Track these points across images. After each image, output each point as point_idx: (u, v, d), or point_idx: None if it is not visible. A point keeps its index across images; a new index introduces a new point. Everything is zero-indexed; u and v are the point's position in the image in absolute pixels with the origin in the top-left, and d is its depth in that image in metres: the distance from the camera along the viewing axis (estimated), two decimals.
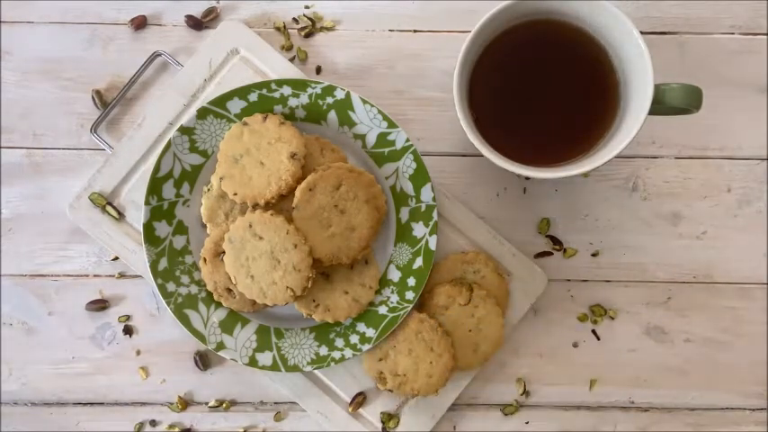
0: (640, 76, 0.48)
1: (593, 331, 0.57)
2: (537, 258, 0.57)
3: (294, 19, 0.57)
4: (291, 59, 0.57)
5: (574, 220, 0.57)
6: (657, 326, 0.57)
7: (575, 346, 0.57)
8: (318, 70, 0.57)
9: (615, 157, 0.48)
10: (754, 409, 0.58)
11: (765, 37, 0.58)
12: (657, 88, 0.48)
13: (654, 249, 0.57)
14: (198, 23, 0.57)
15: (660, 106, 0.48)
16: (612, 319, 0.57)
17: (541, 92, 0.52)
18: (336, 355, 0.54)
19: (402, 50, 0.57)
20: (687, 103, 0.48)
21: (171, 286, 0.53)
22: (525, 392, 0.57)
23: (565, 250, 0.57)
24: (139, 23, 0.57)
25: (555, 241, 0.57)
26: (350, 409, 0.56)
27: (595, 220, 0.57)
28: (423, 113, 0.57)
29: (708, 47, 0.58)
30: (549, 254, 0.57)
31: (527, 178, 0.58)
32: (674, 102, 0.48)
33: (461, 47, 0.48)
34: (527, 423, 0.58)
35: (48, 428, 0.57)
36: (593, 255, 0.57)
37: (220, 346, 0.53)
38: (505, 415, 0.58)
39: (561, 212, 0.57)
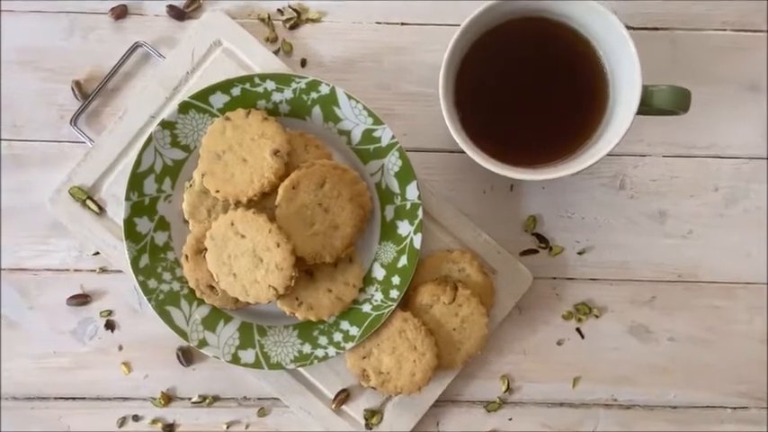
0: (629, 77, 0.48)
1: (578, 329, 0.57)
2: (523, 256, 0.57)
3: (279, 10, 0.56)
4: (276, 52, 0.56)
5: (560, 217, 0.57)
6: (642, 324, 0.57)
7: (559, 344, 0.57)
8: (303, 63, 0.57)
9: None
10: (735, 408, 0.58)
11: (757, 34, 0.57)
12: (645, 89, 0.47)
13: (640, 248, 0.57)
14: (180, 14, 0.56)
15: (648, 107, 0.48)
16: (597, 317, 0.57)
17: (529, 91, 0.51)
18: (320, 352, 0.53)
19: (389, 44, 0.56)
20: (675, 105, 0.48)
21: (152, 283, 0.52)
22: (509, 389, 0.57)
23: (551, 248, 0.57)
24: (120, 13, 0.56)
25: (541, 239, 0.57)
26: (333, 406, 0.55)
27: (582, 219, 0.57)
28: (409, 109, 0.56)
29: (699, 43, 0.57)
30: (534, 252, 0.57)
31: None
32: (662, 104, 0.47)
33: (449, 42, 0.47)
34: (510, 420, 0.58)
35: (29, 423, 0.57)
36: (580, 253, 0.57)
37: (203, 343, 0.53)
38: (488, 412, 0.58)
39: (548, 210, 0.57)
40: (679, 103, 0.47)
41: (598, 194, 0.57)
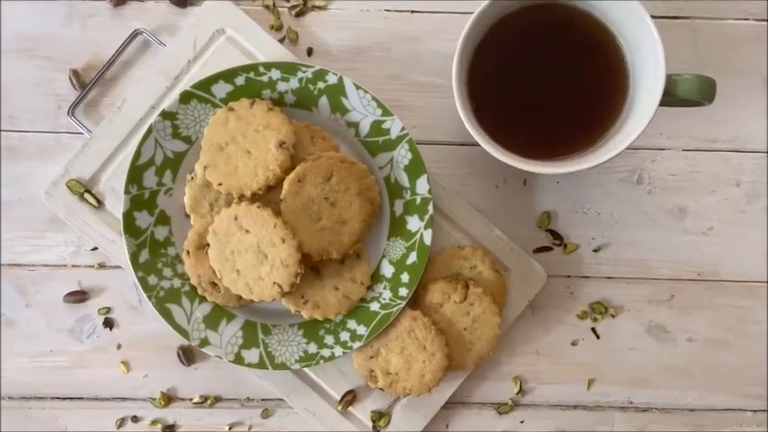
0: (651, 66, 0.46)
1: (593, 329, 0.56)
2: (536, 253, 0.56)
3: None
4: (281, 40, 0.55)
5: (575, 213, 0.55)
6: (659, 324, 0.56)
7: (573, 344, 0.56)
8: (310, 52, 0.55)
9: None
10: (755, 411, 0.57)
11: None
12: (669, 79, 0.45)
13: (658, 245, 0.56)
14: (182, 0, 0.54)
15: (671, 98, 0.46)
16: (613, 317, 0.56)
17: (546, 80, 0.50)
18: (326, 352, 0.52)
19: (398, 32, 0.55)
20: (700, 96, 0.46)
21: (152, 279, 0.51)
22: (521, 391, 0.56)
23: (565, 245, 0.56)
24: None
25: (555, 236, 0.56)
26: (339, 408, 0.54)
27: (598, 214, 0.56)
28: (419, 100, 0.55)
29: (720, 33, 0.55)
30: (548, 249, 0.56)
31: None
32: (687, 93, 0.45)
33: (462, 30, 0.46)
34: (522, 422, 0.56)
35: (26, 423, 0.55)
36: (595, 250, 0.56)
37: (204, 342, 0.51)
38: (500, 414, 0.56)
39: (562, 206, 0.55)
40: (705, 92, 0.45)
41: (615, 189, 0.55)
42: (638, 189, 0.55)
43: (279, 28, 0.55)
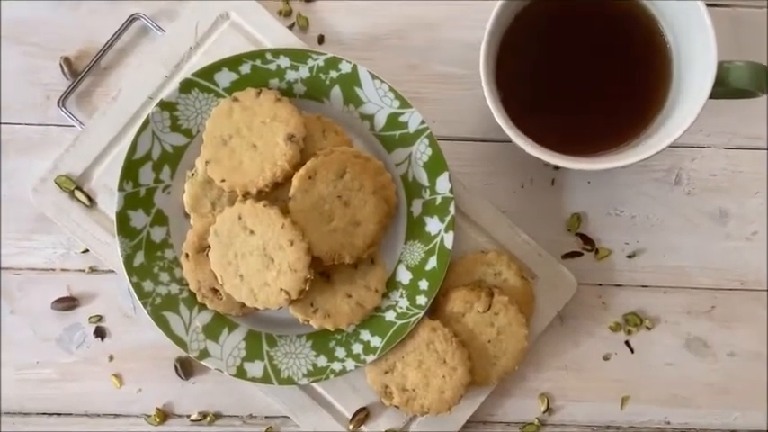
0: (700, 53, 0.43)
1: (627, 343, 0.53)
2: (565, 259, 0.53)
3: None
4: (290, 27, 0.52)
5: (608, 216, 0.53)
6: (699, 338, 0.53)
7: (605, 358, 0.53)
8: (321, 40, 0.53)
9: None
10: None
11: None
12: (720, 66, 0.42)
13: (697, 251, 0.53)
14: None
15: (722, 88, 0.42)
16: (649, 329, 0.53)
17: (580, 69, 0.47)
18: (337, 366, 0.49)
19: (417, 19, 0.52)
20: (755, 85, 0.42)
21: (148, 285, 0.49)
22: (548, 410, 0.53)
23: (597, 251, 0.53)
24: None
25: (586, 240, 0.53)
26: (351, 427, 0.51)
27: (632, 218, 0.53)
28: (439, 92, 0.52)
29: (763, 22, 0.53)
30: (579, 254, 0.53)
31: (556, 168, 0.53)
32: (740, 83, 0.42)
33: (490, 14, 0.43)
34: None
35: None
36: (629, 256, 0.53)
37: (204, 353, 0.49)
38: None
39: (594, 208, 0.53)
40: (760, 81, 0.42)
41: (650, 190, 0.53)
42: (675, 190, 0.53)
43: (288, 14, 0.53)
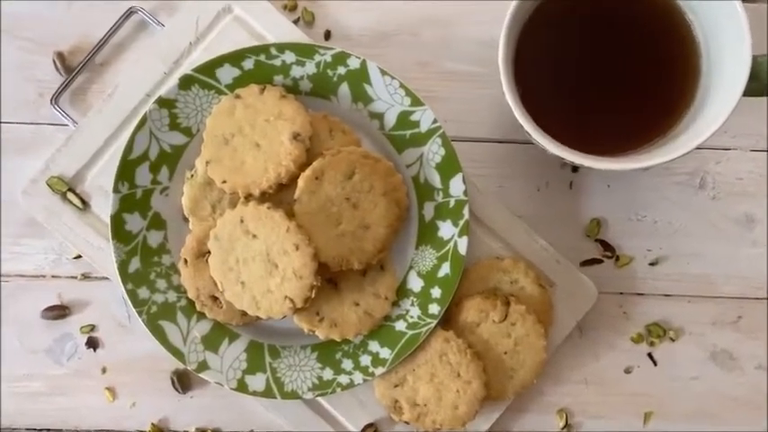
0: (732, 46, 0.41)
1: (650, 355, 0.52)
2: (584, 267, 0.51)
3: None
4: (295, 22, 0.51)
5: (629, 221, 0.51)
6: (725, 350, 0.52)
7: (627, 372, 0.52)
8: (327, 35, 0.52)
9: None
10: None
11: None
12: (755, 61, 0.40)
13: (723, 259, 0.52)
14: None
15: (757, 84, 0.40)
16: (673, 340, 0.52)
17: (602, 65, 0.45)
18: (343, 379, 0.48)
19: (428, 14, 0.51)
20: None
21: (144, 292, 0.48)
22: (567, 426, 0.51)
23: (617, 258, 0.51)
24: None
25: (606, 247, 0.51)
26: None
27: (654, 223, 0.52)
28: (451, 90, 0.51)
29: None
30: (598, 261, 0.51)
31: (574, 170, 0.51)
32: None
33: (506, 9, 0.41)
34: None
35: None
36: (652, 264, 0.52)
37: (203, 366, 0.48)
38: None
39: (614, 212, 0.51)
40: None
41: (673, 194, 0.52)
42: (700, 194, 0.52)
43: (293, 8, 0.52)
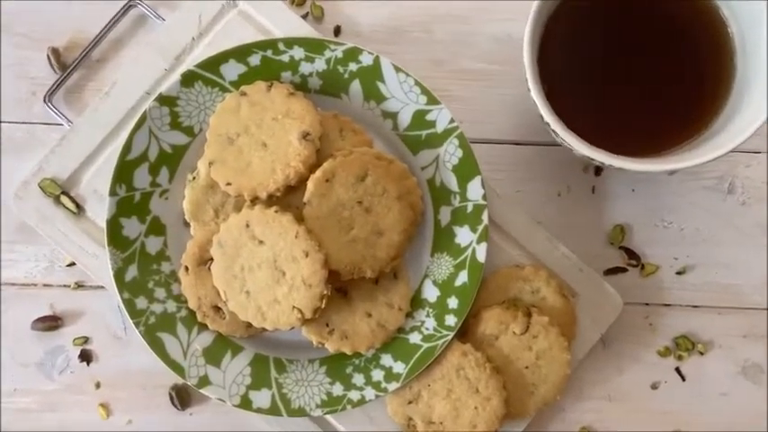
0: None
1: (677, 369, 0.50)
2: (607, 276, 0.50)
3: None
4: (304, 17, 0.50)
5: (654, 228, 0.50)
6: (756, 364, 0.50)
7: (653, 387, 0.50)
8: (337, 31, 0.50)
9: None
10: None
11: None
12: None
13: (753, 268, 0.50)
14: None
15: None
16: (701, 354, 0.50)
17: (630, 62, 0.44)
18: (354, 395, 0.46)
19: (443, 10, 0.50)
20: None
21: (141, 302, 0.46)
22: None
23: (643, 266, 0.50)
24: None
25: (631, 255, 0.50)
26: None
27: (681, 230, 0.50)
28: (467, 90, 0.50)
29: None
30: (622, 270, 0.50)
31: (597, 174, 0.50)
32: None
33: (525, 5, 0.40)
34: None
35: None
36: (679, 273, 0.50)
37: (204, 381, 0.46)
38: None
39: (639, 218, 0.50)
40: None
41: (701, 200, 0.50)
42: (729, 200, 0.50)
43: (301, 3, 0.51)
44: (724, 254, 0.50)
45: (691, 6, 0.42)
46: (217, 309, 0.46)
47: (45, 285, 0.50)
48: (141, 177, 0.46)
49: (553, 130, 0.39)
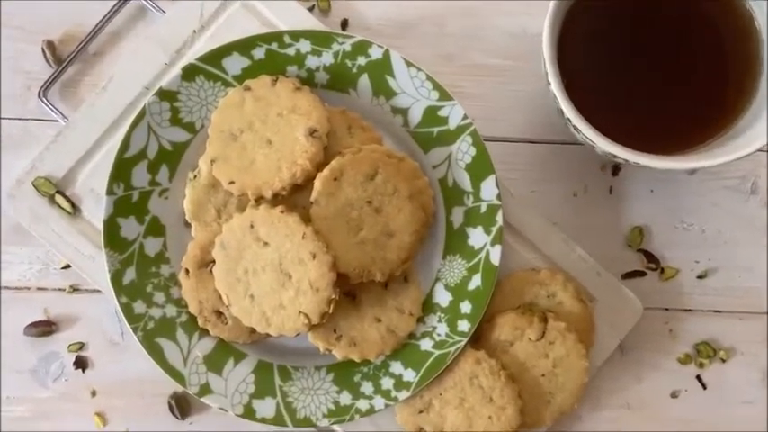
0: None
1: (698, 377, 0.49)
2: (625, 280, 0.49)
3: None
4: (310, 9, 0.49)
5: (674, 230, 0.49)
6: None
7: (673, 396, 0.49)
8: (344, 25, 0.49)
9: None
10: None
11: None
12: None
13: None
14: None
15: None
16: (723, 361, 0.49)
17: (652, 56, 0.43)
18: (363, 404, 0.45)
19: (454, 3, 0.49)
20: None
21: (140, 306, 0.45)
22: None
23: (662, 270, 0.49)
24: None
25: (650, 258, 0.49)
26: None
27: (702, 232, 0.49)
28: (479, 86, 0.49)
29: None
30: (641, 274, 0.49)
31: (615, 174, 0.48)
32: None
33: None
34: None
35: None
36: (700, 277, 0.49)
37: (205, 389, 0.45)
38: None
39: (658, 220, 0.49)
40: None
41: (722, 200, 0.49)
42: (751, 200, 0.49)
43: None
44: (746, 257, 0.49)
45: (721, 2, 0.41)
46: (219, 313, 0.46)
47: (39, 289, 0.49)
48: (140, 176, 0.45)
49: (574, 126, 0.38)
